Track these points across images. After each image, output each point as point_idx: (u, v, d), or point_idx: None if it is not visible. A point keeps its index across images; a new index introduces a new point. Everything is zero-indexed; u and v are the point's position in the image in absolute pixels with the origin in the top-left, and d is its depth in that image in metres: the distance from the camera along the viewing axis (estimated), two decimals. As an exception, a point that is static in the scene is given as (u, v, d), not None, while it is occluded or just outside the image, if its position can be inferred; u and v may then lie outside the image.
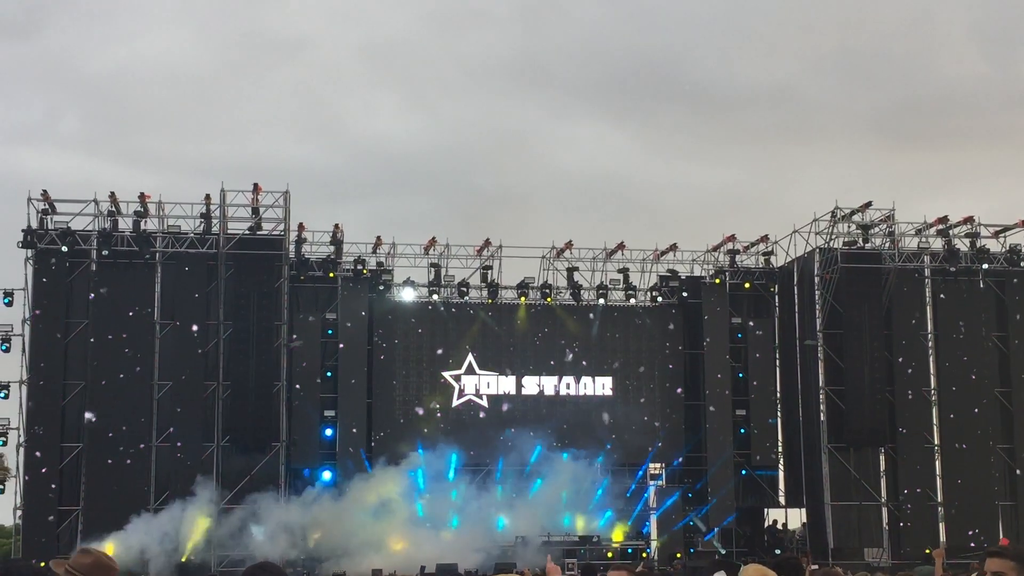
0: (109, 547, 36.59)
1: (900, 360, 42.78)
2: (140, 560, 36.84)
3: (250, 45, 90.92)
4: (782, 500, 45.45)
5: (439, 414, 43.56)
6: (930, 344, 43.49)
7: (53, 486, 38.64)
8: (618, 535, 41.83)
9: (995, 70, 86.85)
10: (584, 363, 44.76)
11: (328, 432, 42.10)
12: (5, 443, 39.39)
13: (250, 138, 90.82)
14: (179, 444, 39.16)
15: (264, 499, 38.82)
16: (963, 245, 43.46)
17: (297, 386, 41.41)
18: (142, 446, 38.85)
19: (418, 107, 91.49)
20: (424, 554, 38.27)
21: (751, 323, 45.46)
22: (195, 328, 39.91)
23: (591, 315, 44.98)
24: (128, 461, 38.57)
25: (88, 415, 38.69)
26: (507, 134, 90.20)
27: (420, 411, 43.61)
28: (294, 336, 41.38)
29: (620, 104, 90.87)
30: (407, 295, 44.14)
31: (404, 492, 40.80)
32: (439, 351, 44.25)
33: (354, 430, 41.88)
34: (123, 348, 39.20)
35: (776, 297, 46.12)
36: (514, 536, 39.95)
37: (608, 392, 44.90)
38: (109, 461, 38.46)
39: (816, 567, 14.16)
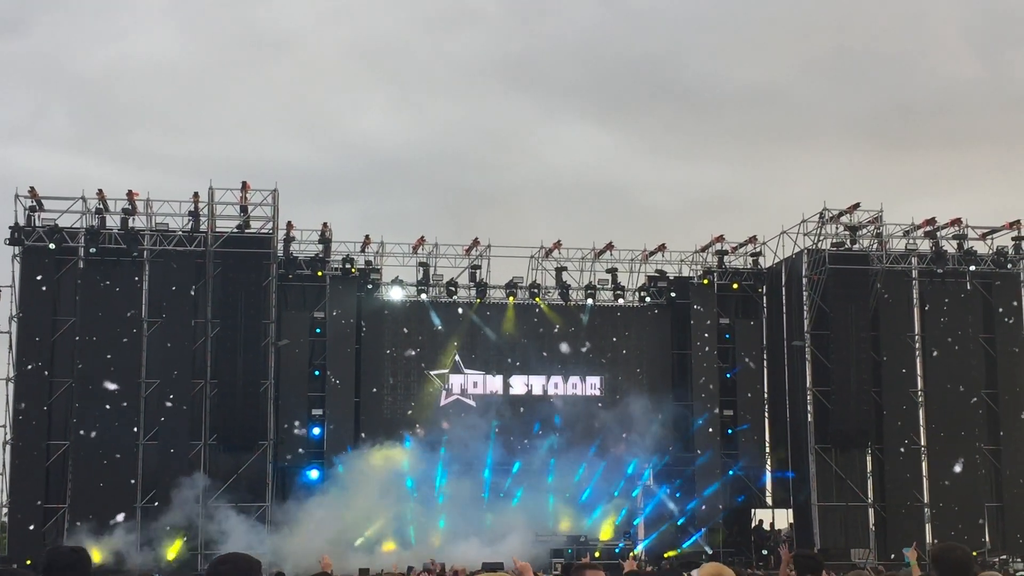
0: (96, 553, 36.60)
1: (887, 361, 42.90)
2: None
3: (238, 43, 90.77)
4: (769, 500, 45.54)
5: (427, 413, 43.52)
6: (917, 345, 43.61)
7: (39, 484, 38.53)
8: (606, 534, 41.90)
9: (987, 71, 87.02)
10: (572, 363, 44.79)
11: (316, 431, 42.06)
12: (-9, 440, 39.27)
13: (238, 136, 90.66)
14: (166, 442, 39.08)
15: (251, 498, 38.83)
16: (950, 247, 43.58)
17: (285, 385, 41.41)
18: (129, 444, 38.73)
19: (407, 106, 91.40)
20: (410, 554, 38.30)
21: (739, 324, 45.56)
22: (182, 326, 39.85)
23: (579, 315, 45.00)
24: (115, 459, 38.47)
25: (75, 412, 38.63)
26: (496, 133, 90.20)
27: (408, 410, 43.57)
28: (284, 341, 41.40)
29: (608, 104, 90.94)
30: (395, 294, 44.10)
31: (391, 491, 40.76)
32: (427, 350, 44.23)
33: (341, 429, 41.83)
34: (110, 346, 39.09)
35: (764, 298, 46.22)
36: (503, 535, 39.91)
37: (596, 392, 44.95)
38: (96, 459, 38.36)
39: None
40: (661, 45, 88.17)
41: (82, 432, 38.51)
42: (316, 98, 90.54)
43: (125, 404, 38.92)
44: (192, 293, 40.16)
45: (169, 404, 39.28)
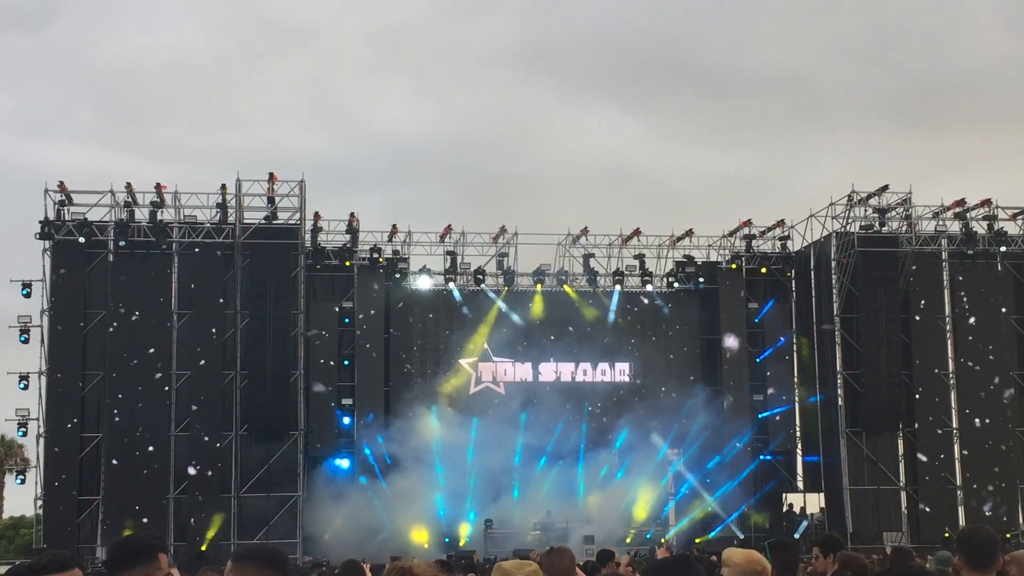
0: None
1: (918, 344, 42.65)
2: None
3: (260, 34, 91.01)
4: (800, 485, 45.42)
5: (456, 401, 43.54)
6: (948, 327, 43.33)
7: (73, 476, 38.81)
8: (638, 519, 41.90)
9: (1020, 48, 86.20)
10: (601, 349, 44.68)
11: (346, 420, 42.18)
12: (25, 434, 39.55)
13: (262, 128, 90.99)
14: (197, 434, 39.28)
15: (282, 488, 39.03)
16: (981, 228, 43.27)
17: (314, 375, 41.55)
18: (161, 436, 38.97)
19: (429, 95, 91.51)
20: (440, 543, 38.43)
21: (768, 308, 45.40)
22: (211, 318, 40.01)
23: (608, 301, 44.92)
24: (147, 451, 38.71)
25: (107, 404, 38.89)
26: (519, 121, 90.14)
27: (437, 398, 43.57)
28: (314, 331, 41.50)
29: (632, 90, 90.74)
30: (423, 283, 44.12)
31: (421, 479, 40.86)
32: (456, 338, 44.23)
33: (371, 418, 41.95)
34: (141, 338, 39.31)
35: (793, 282, 46.02)
36: (532, 523, 39.97)
37: (625, 378, 44.86)
38: (129, 451, 38.61)
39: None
40: (684, 29, 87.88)
41: (114, 424, 38.76)
42: (338, 88, 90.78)
43: (156, 396, 39.14)
44: (221, 285, 40.30)
45: (200, 395, 39.49)
